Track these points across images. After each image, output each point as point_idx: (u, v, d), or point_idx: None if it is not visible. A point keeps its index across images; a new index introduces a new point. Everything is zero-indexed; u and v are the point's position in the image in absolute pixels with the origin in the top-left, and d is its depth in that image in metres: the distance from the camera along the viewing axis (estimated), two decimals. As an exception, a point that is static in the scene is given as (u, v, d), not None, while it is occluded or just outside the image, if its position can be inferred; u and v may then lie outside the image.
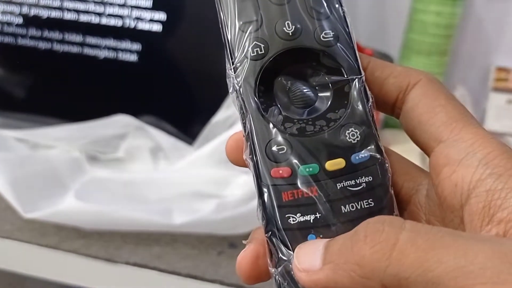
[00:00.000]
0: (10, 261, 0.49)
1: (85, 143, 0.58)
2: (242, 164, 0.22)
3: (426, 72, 0.22)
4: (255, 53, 0.21)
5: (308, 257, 0.18)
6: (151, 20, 0.59)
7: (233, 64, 0.21)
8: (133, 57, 0.62)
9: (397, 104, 0.22)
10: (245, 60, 0.21)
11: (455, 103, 0.21)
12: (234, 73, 0.21)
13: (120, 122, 0.59)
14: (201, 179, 0.52)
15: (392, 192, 0.21)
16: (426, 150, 0.21)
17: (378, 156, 0.21)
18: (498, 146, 0.19)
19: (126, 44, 0.61)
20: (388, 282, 0.16)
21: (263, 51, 0.21)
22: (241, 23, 0.21)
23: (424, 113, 0.21)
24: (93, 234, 0.49)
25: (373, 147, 0.21)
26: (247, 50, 0.21)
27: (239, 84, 0.21)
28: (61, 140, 0.58)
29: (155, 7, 0.59)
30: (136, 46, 0.61)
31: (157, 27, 0.60)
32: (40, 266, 0.48)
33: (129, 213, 0.47)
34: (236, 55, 0.21)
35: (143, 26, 0.60)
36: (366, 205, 0.20)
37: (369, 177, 0.20)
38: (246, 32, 0.21)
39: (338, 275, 0.17)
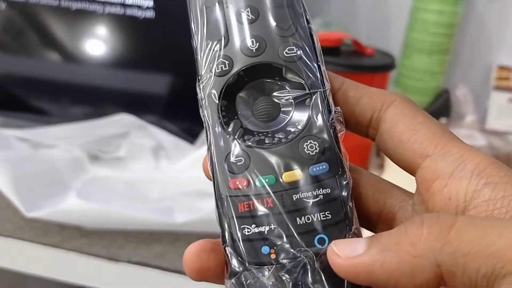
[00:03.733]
0: (12, 260, 0.49)
1: (86, 142, 0.58)
2: None
3: (400, 93, 0.22)
4: (220, 70, 0.22)
5: (350, 244, 0.18)
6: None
7: (199, 80, 0.22)
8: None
9: (372, 124, 0.22)
10: (211, 76, 0.22)
11: (434, 120, 0.21)
12: (201, 88, 0.22)
13: (121, 121, 0.59)
14: (202, 178, 0.52)
15: (353, 205, 0.21)
16: (410, 167, 0.21)
17: (337, 168, 0.21)
18: (485, 157, 0.19)
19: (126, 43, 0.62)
20: (443, 261, 0.15)
21: (227, 68, 0.22)
22: (209, 41, 0.22)
23: (404, 132, 0.21)
24: (95, 233, 0.49)
25: (332, 159, 0.21)
26: (213, 66, 0.22)
27: (204, 99, 0.22)
28: (62, 139, 0.58)
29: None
30: (137, 42, 0.61)
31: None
32: (42, 265, 0.48)
33: (130, 212, 0.47)
34: (203, 71, 0.22)
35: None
36: (323, 217, 0.20)
37: (327, 189, 0.20)
38: (213, 50, 0.22)
39: (386, 256, 0.16)
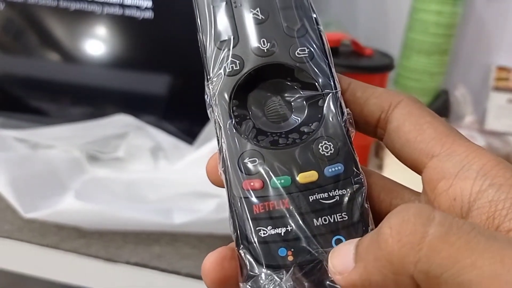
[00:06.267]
0: (10, 261, 0.49)
1: (85, 143, 0.58)
2: (220, 183, 0.22)
3: (407, 94, 0.22)
4: (231, 69, 0.21)
5: (341, 258, 0.18)
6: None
7: (209, 79, 0.22)
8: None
9: (380, 124, 0.22)
10: (221, 75, 0.21)
11: (441, 120, 0.21)
12: (210, 88, 0.21)
13: (120, 122, 0.59)
14: (201, 178, 0.52)
15: (368, 206, 0.21)
16: (417, 167, 0.21)
17: (352, 169, 0.21)
18: (492, 157, 0.19)
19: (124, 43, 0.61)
20: (418, 278, 0.15)
21: (238, 67, 0.21)
22: (218, 40, 0.22)
23: (411, 131, 0.21)
24: (93, 233, 0.49)
25: (347, 160, 0.21)
26: (223, 66, 0.21)
27: (214, 99, 0.21)
28: (61, 140, 0.58)
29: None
30: (138, 45, 0.61)
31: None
32: (40, 266, 0.48)
33: (129, 213, 0.47)
34: (212, 71, 0.21)
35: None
36: (340, 218, 0.20)
37: (343, 190, 0.20)
38: (222, 49, 0.22)
39: (371, 273, 0.16)
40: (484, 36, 0.80)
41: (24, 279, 0.49)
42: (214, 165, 0.22)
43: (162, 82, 0.62)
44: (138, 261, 0.46)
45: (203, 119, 0.57)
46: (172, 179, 0.54)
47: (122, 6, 0.59)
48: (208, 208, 0.48)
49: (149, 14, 0.59)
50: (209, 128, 0.56)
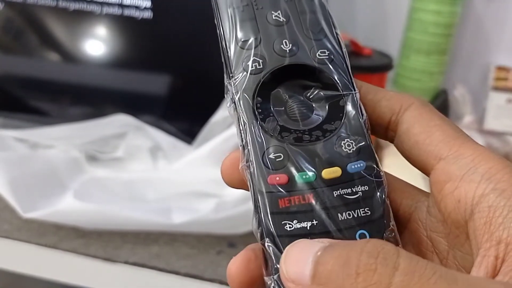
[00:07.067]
0: (9, 260, 0.49)
1: (84, 143, 0.58)
2: (236, 184, 0.22)
3: (418, 97, 0.23)
4: (254, 68, 0.22)
5: (296, 266, 0.17)
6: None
7: (232, 77, 0.22)
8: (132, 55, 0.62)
9: (390, 126, 0.23)
10: (244, 74, 0.22)
11: (450, 123, 0.21)
12: (233, 86, 0.22)
13: (119, 122, 0.59)
14: (200, 178, 0.52)
15: (388, 202, 0.21)
16: (425, 169, 0.21)
17: (373, 166, 0.21)
18: (499, 161, 0.19)
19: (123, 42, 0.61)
20: None
21: (261, 66, 0.22)
22: (241, 41, 0.23)
23: (420, 133, 0.21)
24: (92, 233, 0.49)
25: (368, 157, 0.21)
26: (246, 65, 0.22)
27: (238, 96, 0.22)
28: (60, 140, 0.58)
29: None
30: (137, 45, 0.61)
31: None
32: (39, 266, 0.48)
33: (128, 213, 0.47)
34: (235, 69, 0.22)
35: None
36: (363, 213, 0.21)
37: (365, 186, 0.21)
38: (245, 49, 0.22)
39: None
40: (483, 36, 0.80)
41: (23, 279, 0.49)
42: (230, 165, 0.22)
43: (161, 82, 0.62)
44: (136, 261, 0.46)
45: (202, 119, 0.57)
46: (171, 179, 0.54)
47: (121, 6, 0.59)
48: (207, 208, 0.48)
49: (148, 14, 0.59)
50: (208, 128, 0.56)
